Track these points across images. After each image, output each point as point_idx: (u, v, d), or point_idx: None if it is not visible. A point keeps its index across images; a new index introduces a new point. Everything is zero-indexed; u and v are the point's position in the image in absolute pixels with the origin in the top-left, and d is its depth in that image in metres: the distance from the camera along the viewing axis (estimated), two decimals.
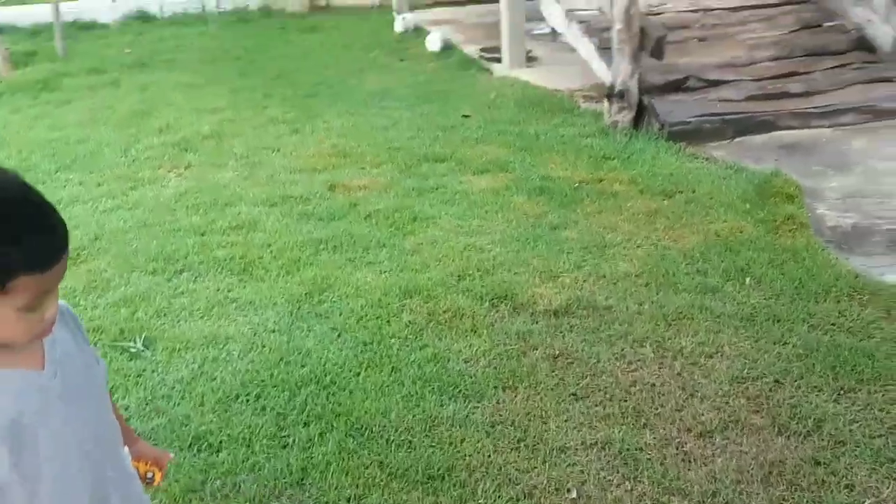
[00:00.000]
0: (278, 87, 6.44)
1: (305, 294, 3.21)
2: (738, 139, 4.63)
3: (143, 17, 9.46)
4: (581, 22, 5.39)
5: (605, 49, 5.15)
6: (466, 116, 5.51)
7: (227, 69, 7.08)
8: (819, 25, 5.41)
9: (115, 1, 9.66)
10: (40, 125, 5.65)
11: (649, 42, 4.64)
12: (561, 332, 2.88)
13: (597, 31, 5.24)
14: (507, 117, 5.43)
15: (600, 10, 5.01)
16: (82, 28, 9.04)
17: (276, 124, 5.50)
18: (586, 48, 5.32)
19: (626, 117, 4.81)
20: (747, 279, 3.18)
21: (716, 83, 4.89)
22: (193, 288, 3.32)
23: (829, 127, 4.64)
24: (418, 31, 8.46)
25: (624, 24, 4.61)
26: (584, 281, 3.23)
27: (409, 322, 2.99)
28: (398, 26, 8.46)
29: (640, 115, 4.83)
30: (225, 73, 6.91)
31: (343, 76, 6.80)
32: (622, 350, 2.77)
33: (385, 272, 3.39)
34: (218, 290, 3.29)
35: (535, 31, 7.24)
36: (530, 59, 6.82)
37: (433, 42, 7.59)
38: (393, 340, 2.87)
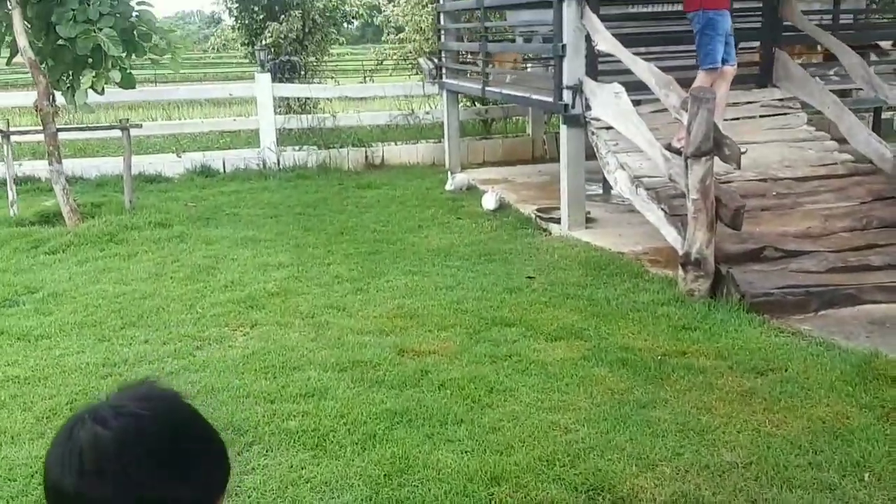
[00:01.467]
0: (340, 244, 6.48)
1: (384, 476, 3.00)
2: (822, 312, 4.46)
3: (206, 172, 9.79)
4: (649, 189, 5.39)
5: (674, 216, 5.11)
6: (531, 278, 5.44)
7: (289, 225, 7.18)
8: (892, 197, 5.35)
9: (180, 157, 10.05)
10: (106, 278, 5.68)
11: (726, 211, 4.58)
12: None
13: (666, 199, 5.22)
14: (573, 280, 5.34)
15: (670, 177, 5.01)
16: (147, 181, 9.36)
17: (340, 282, 5.47)
18: (656, 214, 5.29)
19: (703, 286, 4.68)
20: (866, 475, 2.91)
21: (794, 253, 4.78)
22: (265, 464, 3.13)
23: None
24: (471, 190, 8.61)
25: (700, 194, 4.58)
26: (686, 472, 2.98)
27: None
28: (449, 185, 8.59)
29: (717, 284, 4.70)
30: (288, 229, 7.01)
31: (402, 233, 6.85)
32: None
33: (466, 452, 3.18)
34: (291, 467, 3.10)
35: (588, 192, 7.31)
36: (589, 220, 6.83)
37: (489, 201, 7.68)
38: None
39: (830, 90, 6.28)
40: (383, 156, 10.39)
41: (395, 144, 10.54)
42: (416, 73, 12.41)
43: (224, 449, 1.02)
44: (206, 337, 4.53)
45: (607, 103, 5.80)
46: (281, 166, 9.96)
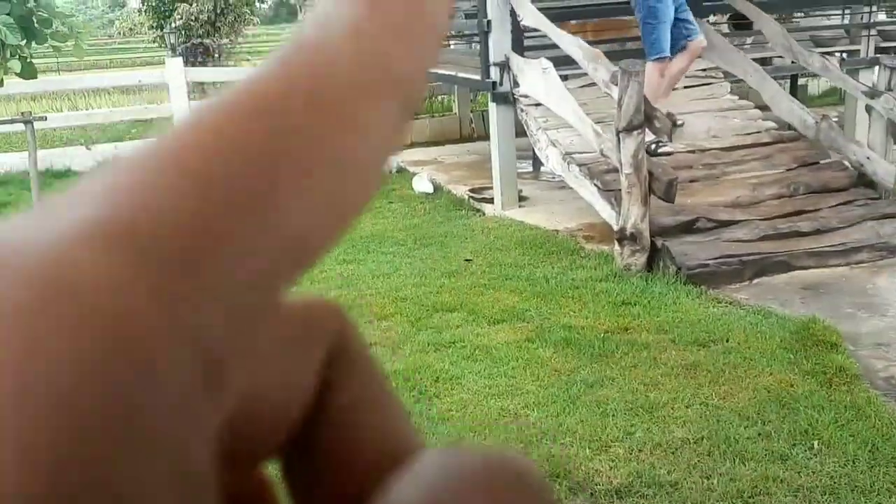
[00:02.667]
0: None
1: None
2: (756, 280, 4.52)
3: None
4: (581, 165, 5.37)
5: (607, 191, 5.10)
6: (469, 261, 5.35)
7: None
8: (816, 163, 5.47)
9: (90, 149, 9.55)
10: None
11: (659, 184, 4.59)
12: None
13: (599, 174, 5.21)
14: (511, 261, 5.28)
15: (602, 153, 4.99)
16: (55, 176, 8.86)
17: None
18: (589, 190, 5.27)
19: (640, 260, 4.69)
20: (815, 443, 2.94)
21: (726, 223, 4.83)
22: None
23: (845, 265, 4.56)
24: (401, 173, 8.45)
25: (633, 169, 4.57)
26: (640, 451, 2.95)
27: None
28: None
29: (653, 257, 4.71)
30: None
31: None
32: None
33: None
34: None
35: (518, 170, 7.26)
36: (521, 199, 6.79)
37: (421, 183, 7.55)
38: None
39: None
40: None
41: None
42: None
43: None
44: None
45: (536, 79, 5.74)
46: None
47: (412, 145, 10.29)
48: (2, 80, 6.53)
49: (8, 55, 6.37)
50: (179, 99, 9.54)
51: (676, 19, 5.57)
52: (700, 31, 5.73)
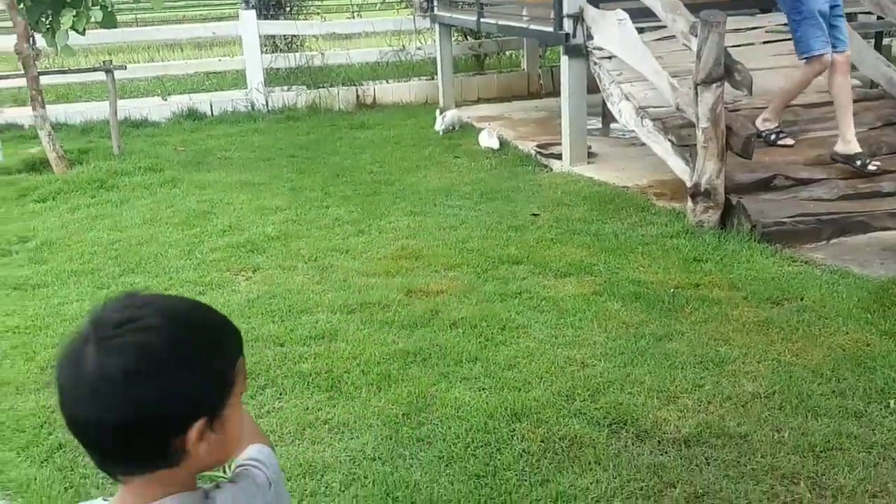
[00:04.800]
0: (338, 186, 6.34)
1: (403, 415, 2.95)
2: (834, 240, 4.39)
3: (194, 115, 9.54)
4: (655, 119, 5.25)
5: (682, 146, 4.99)
6: (536, 215, 5.33)
7: (283, 167, 7.02)
8: None
9: (166, 100, 9.78)
10: (100, 225, 5.54)
11: (737, 140, 4.47)
12: (697, 466, 2.58)
13: (673, 129, 5.09)
14: (579, 216, 5.24)
15: (678, 107, 4.87)
16: (133, 125, 9.11)
17: (340, 224, 5.35)
18: (662, 146, 5.17)
19: (713, 217, 4.60)
20: (891, 402, 2.88)
21: (805, 182, 4.69)
22: (280, 406, 3.07)
23: None
24: (466, 128, 8.43)
25: (710, 123, 4.46)
26: (709, 403, 2.94)
27: (523, 451, 2.70)
28: (439, 125, 8.22)
29: (727, 214, 4.62)
30: (282, 172, 6.84)
31: (400, 174, 6.70)
32: (773, 488, 2.46)
33: (484, 389, 3.13)
34: (307, 409, 3.04)
35: (588, 126, 7.15)
36: (590, 155, 6.70)
37: (487, 138, 7.51)
38: (509, 474, 2.58)
39: None
40: (375, 95, 10.14)
41: (387, 83, 10.28)
42: (406, 7, 12.06)
43: (227, 323, 1.06)
44: (207, 282, 4.43)
45: (610, 31, 5.61)
46: (269, 107, 9.71)
47: (478, 101, 10.24)
48: (84, 28, 6.72)
49: (90, 4, 6.54)
50: (253, 51, 9.66)
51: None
52: (848, 46, 4.92)
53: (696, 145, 4.61)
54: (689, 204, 4.70)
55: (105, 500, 1.04)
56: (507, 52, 11.44)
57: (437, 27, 9.70)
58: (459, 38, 11.02)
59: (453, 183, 6.34)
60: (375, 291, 4.14)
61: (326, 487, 2.58)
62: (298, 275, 4.46)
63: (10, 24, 6.78)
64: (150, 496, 0.96)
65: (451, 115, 8.42)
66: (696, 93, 4.51)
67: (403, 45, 10.55)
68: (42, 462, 2.74)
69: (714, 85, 4.42)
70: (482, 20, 8.23)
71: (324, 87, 9.94)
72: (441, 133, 8.12)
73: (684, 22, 4.75)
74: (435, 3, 9.73)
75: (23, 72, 6.93)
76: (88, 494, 2.52)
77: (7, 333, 3.81)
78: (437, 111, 8.52)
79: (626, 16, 5.37)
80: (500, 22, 8.01)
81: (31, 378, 3.36)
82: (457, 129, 8.30)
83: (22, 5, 6.75)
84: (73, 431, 0.95)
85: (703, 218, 4.63)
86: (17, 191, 6.47)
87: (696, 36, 4.49)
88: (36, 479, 2.61)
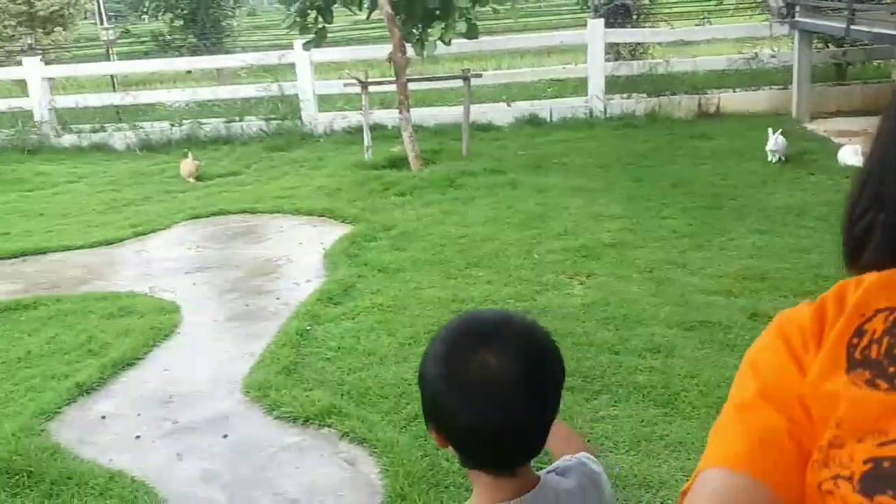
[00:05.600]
0: (675, 197, 6.18)
1: None
2: None
3: (534, 121, 9.95)
4: None
5: None
6: None
7: (619, 175, 7.02)
8: None
9: (510, 106, 10.33)
10: (449, 220, 6.02)
11: None
12: None
13: None
14: None
15: None
16: (479, 129, 9.75)
17: (678, 237, 5.21)
18: None
19: None
20: None
21: None
22: (614, 414, 3.08)
23: None
24: (821, 142, 7.68)
25: None
26: None
27: None
28: (772, 145, 7.08)
29: None
30: (618, 179, 6.85)
31: (744, 188, 6.33)
32: None
33: None
34: (642, 421, 3.00)
35: None
36: None
37: (848, 155, 6.76)
38: None
39: None
40: (719, 103, 9.70)
41: (734, 91, 9.77)
42: (761, 13, 11.35)
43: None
44: (543, 282, 4.58)
45: None
46: (608, 115, 9.78)
47: (836, 113, 9.29)
48: (450, 39, 7.35)
49: (457, 16, 7.13)
50: (596, 59, 9.81)
51: None
52: None
53: None
54: None
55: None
56: (875, 62, 10.22)
57: (796, 34, 8.98)
58: (819, 46, 10.09)
59: (806, 202, 5.83)
60: (715, 311, 3.96)
61: (661, 501, 2.52)
62: (633, 285, 4.43)
63: (374, 34, 7.63)
64: (532, 478, 1.08)
65: (782, 141, 7.12)
66: None
67: (756, 53, 9.94)
68: (402, 428, 3.05)
69: None
70: (852, 27, 7.44)
71: (664, 94, 9.75)
72: (770, 156, 7.14)
73: None
74: (796, 9, 9.02)
75: (394, 78, 7.78)
76: (440, 466, 2.75)
77: (373, 309, 4.31)
78: (769, 129, 7.39)
79: None
80: (875, 30, 7.16)
81: (392, 351, 3.76)
82: (783, 159, 7.30)
83: (398, 18, 7.59)
84: (492, 437, 1.01)
85: None
86: (381, 184, 7.29)
87: None
88: (398, 442, 2.92)
